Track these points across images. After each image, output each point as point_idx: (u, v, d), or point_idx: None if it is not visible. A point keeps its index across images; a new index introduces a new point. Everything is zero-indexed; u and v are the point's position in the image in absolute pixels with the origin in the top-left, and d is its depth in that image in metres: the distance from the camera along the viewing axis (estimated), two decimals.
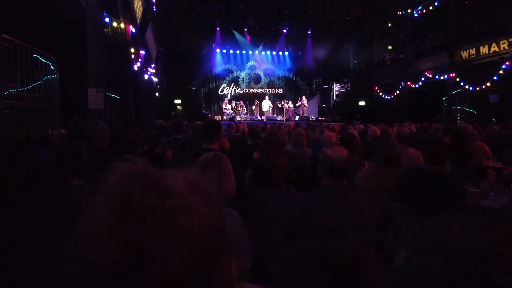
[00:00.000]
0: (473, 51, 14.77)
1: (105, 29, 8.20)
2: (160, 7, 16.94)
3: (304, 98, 22.55)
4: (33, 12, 7.55)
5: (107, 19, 7.76)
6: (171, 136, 6.11)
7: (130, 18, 8.73)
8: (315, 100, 24.77)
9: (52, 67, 7.08)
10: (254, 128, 11.13)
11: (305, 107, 22.15)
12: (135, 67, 10.49)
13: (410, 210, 3.06)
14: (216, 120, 4.44)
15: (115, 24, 8.04)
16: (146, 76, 13.47)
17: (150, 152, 4.36)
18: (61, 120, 7.11)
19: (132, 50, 9.54)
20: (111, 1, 7.90)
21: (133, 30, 8.87)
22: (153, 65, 15.28)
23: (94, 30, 5.55)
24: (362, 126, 10.04)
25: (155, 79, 16.39)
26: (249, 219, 3.16)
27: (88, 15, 5.50)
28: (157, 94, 17.79)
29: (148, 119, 13.19)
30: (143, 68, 12.27)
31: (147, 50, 12.53)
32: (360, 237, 1.94)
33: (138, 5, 9.29)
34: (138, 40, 10.77)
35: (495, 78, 13.99)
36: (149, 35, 12.61)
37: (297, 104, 22.36)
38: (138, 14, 9.76)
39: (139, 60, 11.03)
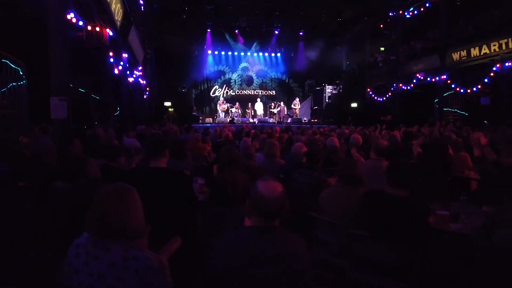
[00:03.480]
0: (464, 53, 14.57)
1: (80, 33, 7.94)
2: (147, 8, 16.67)
3: (297, 99, 22.41)
4: (3, 15, 7.27)
5: (80, 23, 7.50)
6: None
7: (107, 21, 8.45)
8: (308, 102, 24.56)
9: (21, 72, 6.81)
10: (238, 133, 10.96)
11: (297, 110, 21.99)
12: (116, 71, 10.20)
13: (371, 237, 2.83)
14: (162, 136, 4.18)
15: (89, 28, 7.77)
16: (131, 79, 13.18)
17: (106, 166, 4.07)
18: (30, 127, 6.84)
19: (111, 53, 9.26)
20: (84, 5, 7.63)
21: (111, 33, 8.59)
22: (140, 68, 14.99)
23: (56, 34, 5.26)
24: (347, 131, 9.80)
25: (142, 82, 16.10)
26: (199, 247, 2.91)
27: (49, 17, 5.21)
28: (144, 97, 17.50)
29: (134, 122, 12.92)
30: (127, 71, 11.98)
31: (131, 53, 12.25)
32: (287, 286, 1.69)
33: (116, 8, 9.00)
34: (119, 43, 10.48)
35: (486, 80, 13.80)
36: (134, 38, 12.33)
37: (292, 106, 22.11)
38: (118, 17, 9.47)
39: (121, 63, 10.74)
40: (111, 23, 8.74)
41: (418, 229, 2.50)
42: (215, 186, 3.61)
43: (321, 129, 11.88)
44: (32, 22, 7.03)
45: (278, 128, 11.30)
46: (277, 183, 1.85)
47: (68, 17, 6.76)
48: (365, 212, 2.73)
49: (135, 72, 14.04)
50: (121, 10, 9.61)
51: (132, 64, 13.35)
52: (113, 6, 8.57)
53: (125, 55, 11.22)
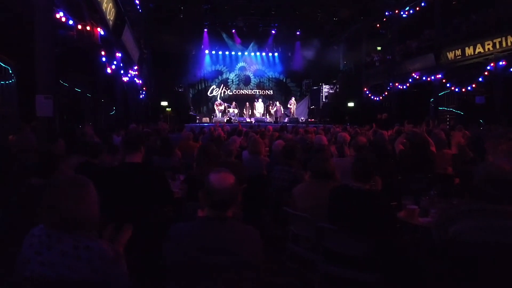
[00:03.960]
0: (458, 52, 14.58)
1: (71, 32, 7.98)
2: (143, 8, 16.71)
3: (293, 99, 22.48)
4: None
5: (71, 22, 7.53)
6: None
7: (98, 20, 8.48)
8: (305, 102, 24.59)
9: (10, 71, 6.86)
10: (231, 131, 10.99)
11: (292, 109, 22.03)
12: (109, 70, 10.24)
13: (339, 230, 2.86)
14: (139, 131, 4.21)
15: (80, 27, 7.80)
16: (125, 79, 13.22)
17: (87, 163, 4.12)
18: (20, 126, 6.87)
19: (103, 53, 9.30)
20: (74, 4, 7.67)
21: (102, 32, 8.62)
22: (135, 67, 15.03)
23: (42, 32, 5.30)
24: (339, 130, 9.84)
25: (138, 82, 16.14)
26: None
27: (35, 16, 5.25)
28: (141, 96, 17.55)
29: (129, 121, 12.97)
30: (120, 71, 12.02)
31: (125, 52, 12.29)
32: (238, 276, 1.73)
33: (108, 7, 9.04)
34: (112, 43, 10.52)
35: (480, 79, 13.81)
36: (128, 37, 12.36)
37: (288, 106, 22.18)
38: (110, 16, 9.51)
39: (114, 62, 10.79)
40: (102, 22, 8.78)
41: (382, 222, 2.53)
42: (192, 182, 3.65)
43: (314, 128, 11.94)
44: (22, 21, 7.07)
45: (271, 127, 11.34)
46: (229, 174, 1.89)
47: (57, 16, 6.80)
48: (331, 205, 2.76)
49: (130, 71, 14.08)
50: (113, 9, 9.65)
51: (127, 63, 13.39)
52: (104, 5, 8.61)
53: (118, 55, 11.26)
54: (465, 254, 2.12)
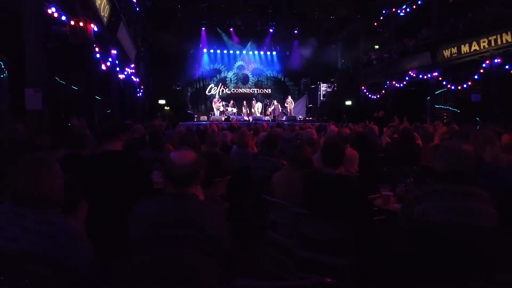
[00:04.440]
0: (454, 50, 14.58)
1: (64, 28, 8.02)
2: (141, 6, 16.77)
3: (289, 97, 22.52)
4: None
5: (63, 18, 7.58)
6: None
7: (92, 16, 8.53)
8: (303, 100, 24.63)
9: (2, 66, 6.90)
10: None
11: (289, 107, 22.05)
12: (103, 67, 10.29)
13: (312, 215, 2.90)
14: (118, 120, 4.24)
15: (73, 22, 7.84)
16: (121, 76, 13.26)
17: (74, 154, 4.15)
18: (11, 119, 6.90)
19: (97, 49, 9.34)
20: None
21: (95, 29, 8.67)
22: (132, 65, 15.07)
23: (31, 25, 5.34)
24: (333, 126, 9.88)
25: (135, 80, 16.19)
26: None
27: (25, 10, 5.29)
28: (139, 94, 17.59)
29: (125, 118, 13.00)
30: (116, 68, 12.07)
31: (121, 50, 12.34)
32: (197, 250, 1.76)
33: (102, 3, 9.08)
34: (107, 40, 10.57)
35: (476, 77, 13.82)
36: (124, 35, 12.41)
37: (285, 105, 22.25)
38: (104, 13, 9.55)
39: (109, 59, 10.83)
40: (96, 19, 8.82)
41: (352, 206, 2.56)
42: None
43: (311, 125, 12.00)
44: (14, 15, 7.09)
45: (265, 124, 11.40)
46: (189, 152, 1.93)
47: (49, 11, 6.84)
48: (304, 191, 2.80)
49: (126, 69, 14.12)
50: (107, 6, 9.70)
51: (123, 61, 13.43)
52: (98, 1, 8.65)
53: (114, 52, 11.31)
54: (429, 234, 2.15)
